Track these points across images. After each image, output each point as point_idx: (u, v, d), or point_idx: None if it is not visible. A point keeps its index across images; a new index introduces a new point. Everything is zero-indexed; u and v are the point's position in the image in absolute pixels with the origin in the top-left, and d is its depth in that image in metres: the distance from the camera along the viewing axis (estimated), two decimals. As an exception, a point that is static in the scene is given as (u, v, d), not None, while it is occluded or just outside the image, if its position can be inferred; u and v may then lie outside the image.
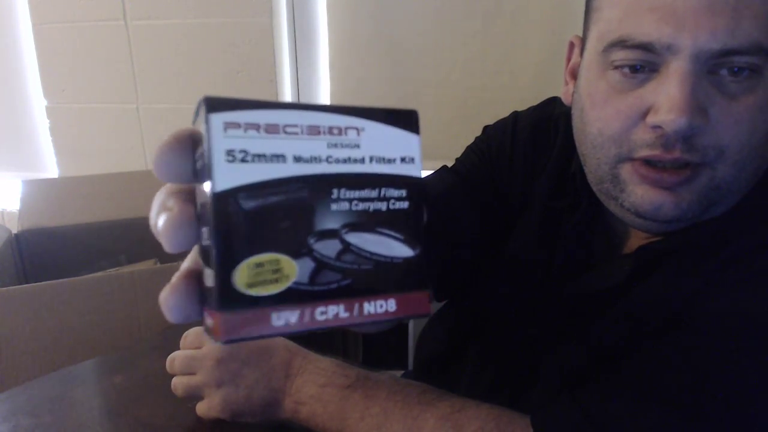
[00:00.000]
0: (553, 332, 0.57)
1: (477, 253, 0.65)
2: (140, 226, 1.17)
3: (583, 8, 0.52)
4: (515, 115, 0.68)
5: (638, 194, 0.46)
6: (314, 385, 0.53)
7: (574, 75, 0.53)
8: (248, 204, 0.22)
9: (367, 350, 1.09)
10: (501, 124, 0.70)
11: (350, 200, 0.24)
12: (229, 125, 0.22)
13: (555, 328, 0.57)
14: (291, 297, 0.23)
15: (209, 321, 0.25)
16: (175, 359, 0.58)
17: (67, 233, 1.12)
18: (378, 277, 0.24)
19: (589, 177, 0.52)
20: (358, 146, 0.24)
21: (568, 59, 0.56)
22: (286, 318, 0.23)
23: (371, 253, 0.24)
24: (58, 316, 0.83)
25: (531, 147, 0.63)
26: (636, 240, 0.54)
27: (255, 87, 1.42)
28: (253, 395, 0.53)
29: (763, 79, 0.42)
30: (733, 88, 0.42)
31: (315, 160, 0.23)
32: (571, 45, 0.55)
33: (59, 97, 1.51)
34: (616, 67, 0.45)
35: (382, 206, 0.24)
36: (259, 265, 0.22)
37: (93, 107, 1.50)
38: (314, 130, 0.23)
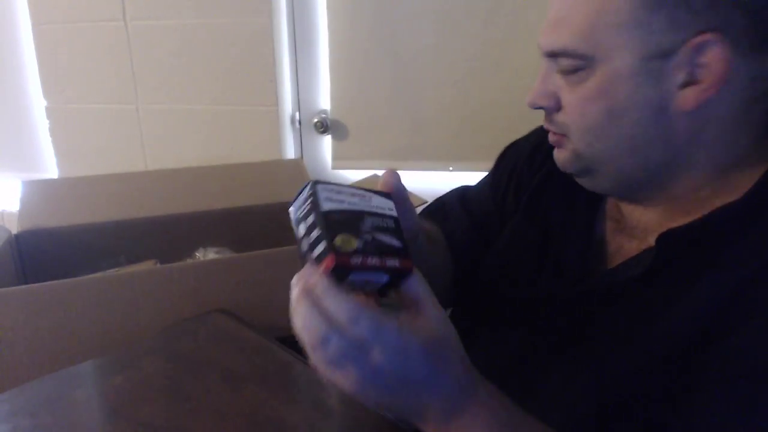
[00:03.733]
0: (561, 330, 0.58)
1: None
2: (140, 226, 1.17)
3: None
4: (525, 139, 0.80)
5: None
6: (479, 428, 0.45)
7: None
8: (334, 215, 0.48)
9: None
10: (515, 147, 0.80)
11: (372, 221, 0.48)
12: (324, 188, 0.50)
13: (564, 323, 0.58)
14: (357, 252, 0.45)
15: (320, 267, 0.46)
16: (332, 340, 0.42)
17: (67, 233, 1.12)
18: (389, 251, 0.47)
19: None
20: (370, 200, 0.50)
21: None
22: (357, 259, 0.45)
23: (385, 242, 0.47)
24: (58, 316, 0.83)
25: (527, 168, 0.72)
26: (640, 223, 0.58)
27: (255, 87, 1.42)
28: (397, 403, 0.45)
29: (593, 76, 0.51)
30: (569, 81, 0.53)
31: (357, 204, 0.49)
32: None
33: (59, 98, 1.51)
34: None
35: (386, 223, 0.49)
36: (344, 239, 0.46)
37: (93, 107, 1.50)
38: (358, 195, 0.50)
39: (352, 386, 0.43)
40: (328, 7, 1.40)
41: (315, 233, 0.48)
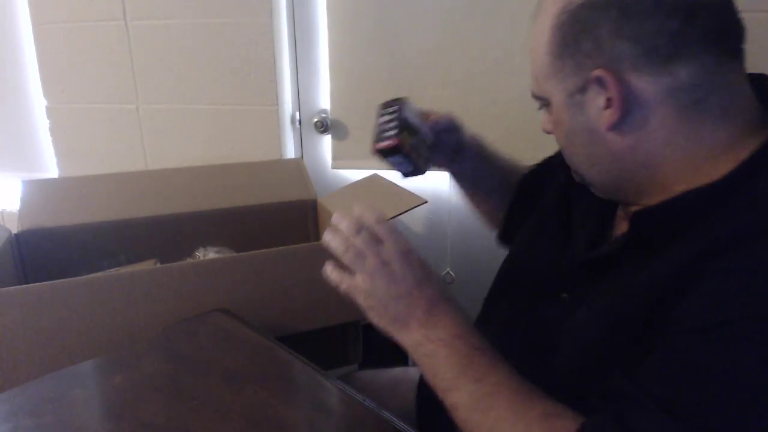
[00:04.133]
0: (565, 299, 0.68)
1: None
2: (140, 226, 1.17)
3: None
4: None
5: None
6: (449, 331, 0.60)
7: None
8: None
9: (367, 347, 1.09)
10: None
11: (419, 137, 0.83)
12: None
13: (567, 293, 0.68)
14: (406, 145, 0.78)
15: (382, 143, 0.80)
16: (361, 231, 0.65)
17: (67, 233, 1.12)
18: (420, 156, 0.83)
19: None
20: (423, 125, 0.86)
21: None
22: (405, 148, 0.79)
23: (421, 151, 0.83)
24: (58, 316, 0.83)
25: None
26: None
27: (255, 87, 1.42)
28: (392, 304, 0.62)
29: (552, 111, 0.65)
30: (546, 114, 0.67)
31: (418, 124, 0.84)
32: None
33: (59, 98, 1.51)
34: None
35: (425, 142, 0.84)
36: (405, 135, 0.80)
37: (93, 107, 1.50)
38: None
39: (365, 279, 0.63)
40: (328, 7, 1.40)
41: (392, 124, 0.80)
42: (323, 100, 1.49)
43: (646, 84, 0.56)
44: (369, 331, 1.14)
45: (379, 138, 0.81)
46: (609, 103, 0.58)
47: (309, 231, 1.27)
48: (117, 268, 1.10)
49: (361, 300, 0.64)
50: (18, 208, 1.15)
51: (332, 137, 1.50)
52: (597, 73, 0.57)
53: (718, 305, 0.49)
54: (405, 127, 0.81)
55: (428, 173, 0.88)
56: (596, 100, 0.58)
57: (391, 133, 0.79)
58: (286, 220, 1.24)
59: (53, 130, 1.54)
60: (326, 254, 0.66)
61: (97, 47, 1.45)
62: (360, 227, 0.65)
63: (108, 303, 0.85)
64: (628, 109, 0.57)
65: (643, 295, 0.55)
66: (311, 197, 1.26)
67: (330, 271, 0.66)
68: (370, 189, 1.22)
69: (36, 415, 0.64)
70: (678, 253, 0.54)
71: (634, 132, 0.58)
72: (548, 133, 0.69)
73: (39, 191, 1.21)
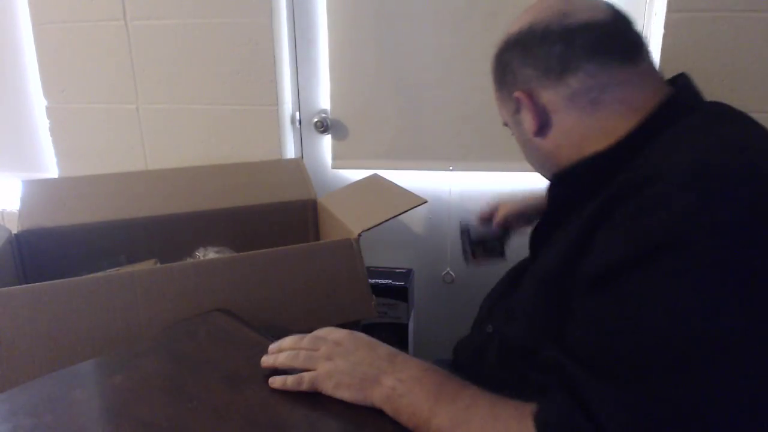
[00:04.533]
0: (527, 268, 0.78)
1: None
2: (140, 226, 1.17)
3: None
4: None
5: None
6: (418, 367, 0.66)
7: None
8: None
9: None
10: None
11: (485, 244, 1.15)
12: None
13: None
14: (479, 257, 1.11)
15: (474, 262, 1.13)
16: (304, 338, 0.72)
17: (67, 233, 1.12)
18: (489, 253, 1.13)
19: None
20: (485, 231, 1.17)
21: None
22: (479, 260, 1.13)
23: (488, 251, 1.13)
24: (58, 316, 0.83)
25: None
26: None
27: (255, 87, 1.42)
28: (357, 369, 0.66)
29: (514, 129, 0.78)
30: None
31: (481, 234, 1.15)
32: None
33: (59, 97, 1.51)
34: None
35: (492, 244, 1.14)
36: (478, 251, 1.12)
37: (93, 107, 1.51)
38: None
39: (324, 364, 0.68)
40: (328, 7, 1.40)
41: (467, 248, 1.13)
42: (323, 100, 1.49)
43: (550, 96, 0.70)
44: (369, 331, 1.14)
45: (465, 258, 1.14)
46: (532, 116, 0.72)
47: (309, 231, 1.27)
48: (117, 268, 1.10)
49: (328, 383, 0.66)
50: (18, 208, 1.15)
51: (332, 137, 1.50)
52: (516, 95, 0.72)
53: (607, 255, 0.55)
54: (474, 246, 1.12)
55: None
56: (525, 116, 0.73)
57: (469, 254, 1.12)
58: (286, 220, 1.24)
59: (53, 130, 1.54)
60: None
61: (97, 47, 1.45)
62: (300, 339, 0.72)
63: (108, 303, 0.85)
64: (543, 117, 0.71)
65: (560, 254, 0.64)
66: (311, 197, 1.26)
67: (283, 381, 0.68)
68: (370, 189, 1.23)
69: (36, 415, 0.64)
70: (584, 210, 0.62)
71: (554, 134, 0.72)
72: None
73: (39, 191, 1.21)
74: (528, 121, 0.73)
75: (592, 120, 0.68)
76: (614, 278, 0.54)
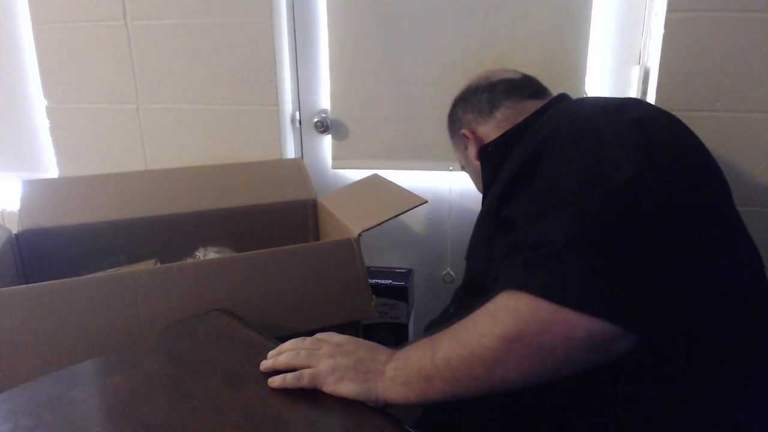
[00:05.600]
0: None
1: None
2: (140, 226, 1.17)
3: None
4: None
5: None
6: (411, 345, 0.70)
7: None
8: None
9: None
10: None
11: None
12: None
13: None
14: None
15: None
16: (305, 341, 0.74)
17: (67, 233, 1.12)
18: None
19: None
20: None
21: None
22: None
23: None
24: (58, 316, 0.83)
25: None
26: None
27: (255, 87, 1.42)
28: (359, 365, 0.69)
29: (466, 164, 1.08)
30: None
31: None
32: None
33: (59, 97, 1.51)
34: None
35: None
36: None
37: (93, 107, 1.51)
38: None
39: (325, 360, 0.69)
40: (328, 7, 1.40)
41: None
42: (323, 100, 1.49)
43: (485, 129, 0.99)
44: (369, 331, 1.15)
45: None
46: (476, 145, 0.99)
47: (309, 231, 1.27)
48: (117, 268, 1.10)
49: (330, 379, 0.67)
50: (18, 208, 1.15)
51: (332, 137, 1.50)
52: (463, 132, 1.02)
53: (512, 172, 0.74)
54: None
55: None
56: (471, 148, 1.01)
57: None
58: (286, 220, 1.24)
59: (53, 130, 1.54)
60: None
61: (97, 47, 1.45)
62: (301, 342, 0.74)
63: (108, 303, 0.85)
64: (481, 144, 0.98)
65: (492, 202, 0.77)
66: (311, 197, 1.26)
67: (282, 378, 0.69)
68: (370, 189, 1.23)
69: (36, 415, 0.64)
70: (505, 169, 0.79)
71: (485, 151, 0.97)
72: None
73: (39, 191, 1.21)
74: (473, 151, 1.00)
75: (499, 129, 0.97)
76: (521, 179, 0.71)
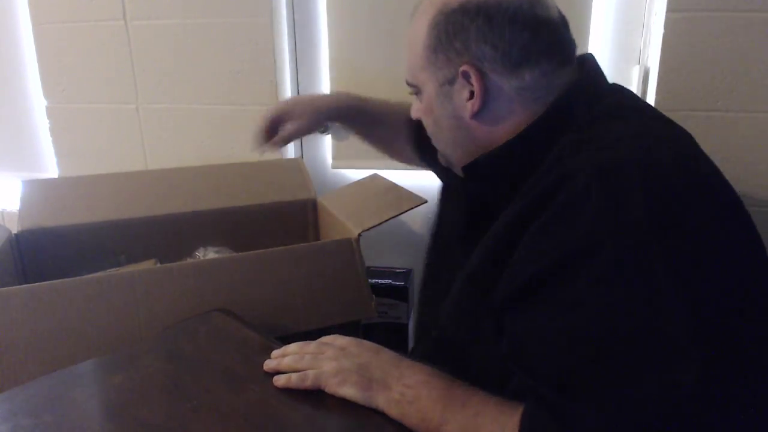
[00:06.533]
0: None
1: None
2: (140, 226, 1.17)
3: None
4: None
5: None
6: (423, 371, 0.66)
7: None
8: None
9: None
10: None
11: None
12: None
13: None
14: None
15: None
16: (310, 344, 0.72)
17: (67, 233, 1.12)
18: None
19: None
20: None
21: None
22: None
23: None
24: (58, 316, 0.83)
25: None
26: None
27: (255, 87, 1.42)
28: (363, 370, 0.67)
29: (423, 99, 0.75)
30: (417, 101, 0.78)
31: None
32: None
33: (59, 97, 1.51)
34: None
35: None
36: None
37: (93, 107, 1.51)
38: None
39: (330, 363, 0.68)
40: (328, 7, 1.40)
41: None
42: (323, 100, 1.49)
43: (500, 82, 0.68)
44: (369, 331, 1.15)
45: None
46: (471, 96, 0.69)
47: (309, 231, 1.27)
48: (117, 268, 1.10)
49: (333, 380, 0.66)
50: (18, 208, 1.15)
51: (332, 137, 1.50)
52: (464, 68, 0.68)
53: (531, 267, 0.58)
54: None
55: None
56: (462, 91, 0.70)
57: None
58: (286, 220, 1.24)
59: (53, 130, 1.54)
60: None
61: (97, 47, 1.45)
62: (305, 345, 0.72)
63: (108, 303, 0.85)
64: (486, 101, 0.69)
65: (483, 259, 0.66)
66: (311, 197, 1.26)
67: (287, 378, 0.68)
68: (370, 189, 1.22)
69: (36, 415, 0.64)
70: (503, 214, 0.65)
71: (491, 121, 0.70)
72: (416, 119, 0.79)
73: (39, 191, 1.21)
74: (463, 98, 0.70)
75: (530, 117, 0.69)
76: (542, 287, 0.57)
